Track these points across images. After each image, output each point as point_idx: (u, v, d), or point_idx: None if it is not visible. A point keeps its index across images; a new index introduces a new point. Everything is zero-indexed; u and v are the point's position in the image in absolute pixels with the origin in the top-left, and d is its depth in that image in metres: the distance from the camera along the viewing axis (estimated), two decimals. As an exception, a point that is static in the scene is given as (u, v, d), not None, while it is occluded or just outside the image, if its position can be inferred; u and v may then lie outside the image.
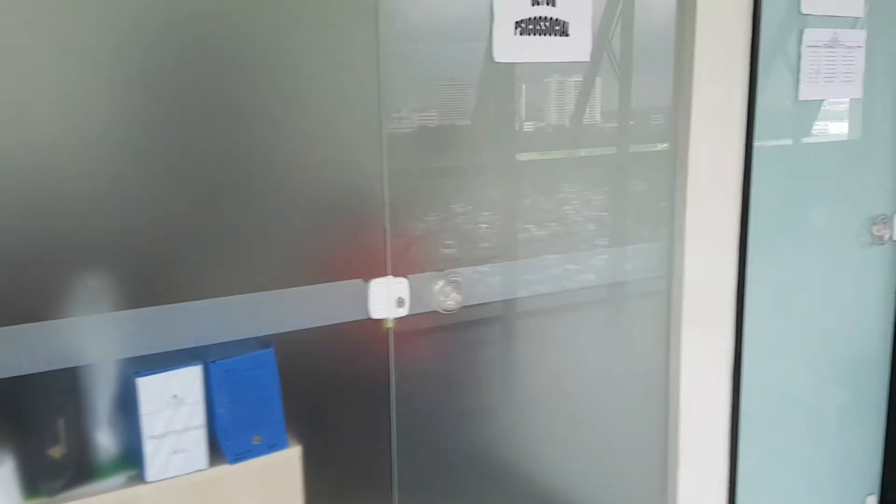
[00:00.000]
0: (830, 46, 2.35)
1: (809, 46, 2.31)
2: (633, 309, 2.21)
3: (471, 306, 1.90)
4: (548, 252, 2.04)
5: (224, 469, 1.65)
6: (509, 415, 2.03)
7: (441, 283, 1.82)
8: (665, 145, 2.13)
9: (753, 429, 2.43)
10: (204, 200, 1.58)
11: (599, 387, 2.19)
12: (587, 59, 1.93)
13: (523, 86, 1.91)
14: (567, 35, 1.89)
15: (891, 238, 2.62)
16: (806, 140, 2.43)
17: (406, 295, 1.79)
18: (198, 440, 1.63)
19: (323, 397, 1.76)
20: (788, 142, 2.38)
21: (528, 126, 1.95)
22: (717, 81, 2.10)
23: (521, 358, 2.05)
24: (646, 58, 2.08)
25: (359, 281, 1.74)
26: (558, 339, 2.11)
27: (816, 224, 2.48)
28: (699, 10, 2.02)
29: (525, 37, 1.83)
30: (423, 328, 1.86)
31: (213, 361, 1.62)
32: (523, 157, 1.98)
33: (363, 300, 1.74)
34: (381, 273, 1.76)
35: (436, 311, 1.83)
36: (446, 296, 1.82)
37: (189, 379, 1.60)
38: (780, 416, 2.53)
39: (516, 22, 1.81)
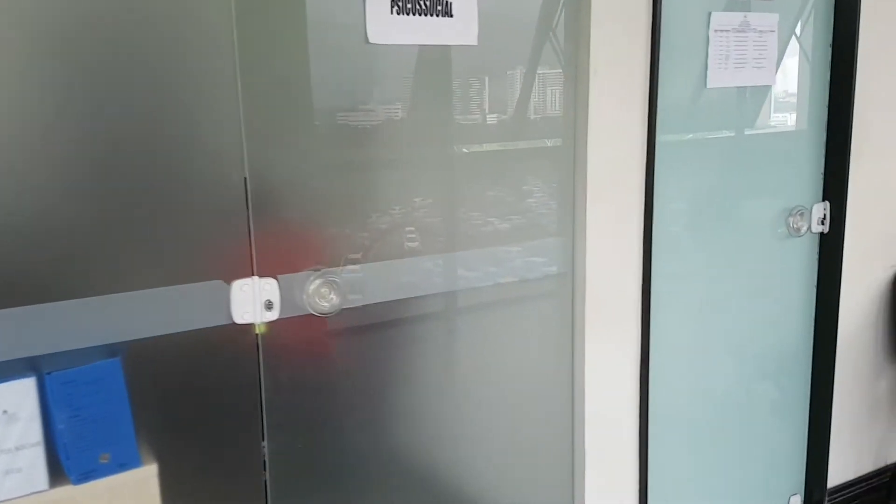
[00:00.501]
0: (741, 31, 2.26)
1: (717, 31, 2.21)
2: (535, 309, 2.10)
3: (355, 308, 1.77)
4: (442, 250, 1.91)
5: (68, 490, 1.50)
6: (400, 422, 1.90)
7: (316, 283, 1.68)
8: (567, 139, 2.02)
9: (665, 430, 2.33)
10: (35, 193, 1.42)
11: (501, 389, 2.07)
12: (474, 42, 1.81)
13: (408, 72, 1.77)
14: (451, 16, 1.76)
15: (809, 230, 2.55)
16: (717, 132, 2.34)
17: (275, 297, 1.64)
18: (35, 459, 1.47)
19: (182, 411, 1.61)
20: (697, 133, 2.29)
21: (417, 117, 1.82)
22: (615, 70, 1.99)
23: (413, 362, 1.92)
24: (540, 45, 1.96)
25: (219, 282, 1.59)
26: (455, 341, 1.98)
27: (729, 217, 2.39)
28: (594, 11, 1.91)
29: (403, 16, 1.70)
30: (299, 333, 1.72)
31: (49, 373, 1.46)
32: (414, 150, 1.85)
33: (225, 303, 1.60)
34: (246, 273, 1.61)
35: (312, 315, 1.69)
36: (322, 297, 1.68)
37: (21, 392, 1.45)
38: (695, 416, 2.44)
39: (393, 0, 1.68)
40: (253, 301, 1.62)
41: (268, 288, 1.63)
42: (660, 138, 2.15)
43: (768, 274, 2.53)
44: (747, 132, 2.41)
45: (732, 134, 2.38)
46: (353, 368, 1.82)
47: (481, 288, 1.99)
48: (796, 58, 2.46)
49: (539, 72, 1.99)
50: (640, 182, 2.10)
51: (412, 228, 1.88)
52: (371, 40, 1.67)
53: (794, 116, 2.51)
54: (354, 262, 1.77)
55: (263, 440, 1.69)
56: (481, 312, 2.02)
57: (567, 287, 2.10)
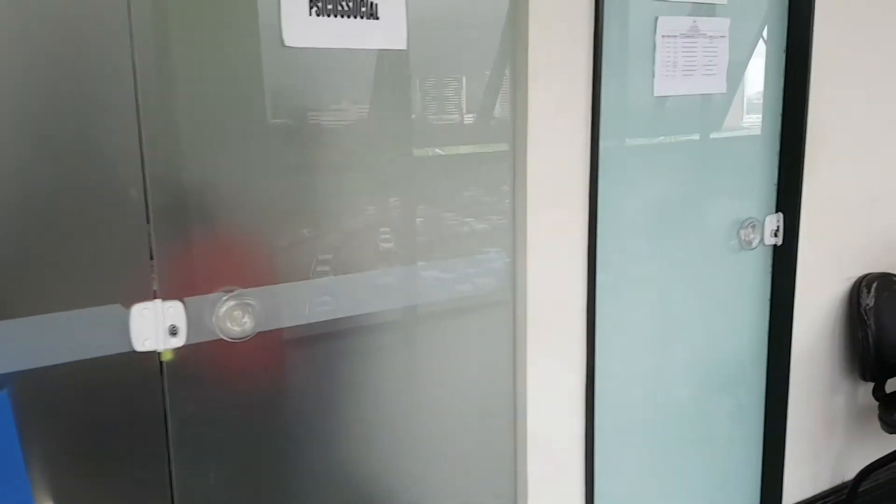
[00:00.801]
0: (689, 36, 2.17)
1: (665, 36, 2.12)
2: (476, 324, 1.98)
3: (272, 331, 1.64)
4: (374, 266, 1.80)
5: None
6: (324, 452, 1.78)
7: (228, 306, 1.55)
8: (504, 146, 1.91)
9: (613, 448, 2.24)
10: None
11: (439, 411, 1.95)
12: (403, 46, 1.69)
13: (325, 76, 1.65)
14: (377, 18, 1.64)
15: (761, 242, 2.47)
16: (666, 139, 2.25)
17: (181, 321, 1.51)
18: None
19: (80, 446, 1.48)
20: (644, 141, 2.19)
21: (339, 122, 1.70)
22: (556, 75, 1.89)
23: (341, 386, 1.80)
24: (480, 46, 1.85)
25: (117, 306, 1.46)
26: (388, 363, 1.86)
27: (680, 228, 2.30)
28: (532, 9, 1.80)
29: (323, 18, 1.58)
30: (210, 359, 1.59)
31: (-80, 410, 1.32)
32: (342, 158, 1.72)
33: (124, 329, 1.47)
34: (147, 296, 1.48)
35: (223, 340, 1.56)
36: (234, 321, 1.56)
37: None
38: (645, 434, 2.34)
39: (311, 0, 1.56)
40: (155, 326, 1.49)
41: (172, 312, 1.50)
42: (605, 144, 2.05)
43: (720, 287, 2.44)
44: (699, 139, 2.32)
45: (683, 141, 2.29)
46: (270, 395, 1.69)
47: (417, 305, 1.88)
48: (750, 64, 2.38)
49: (483, 74, 1.88)
50: (584, 191, 2.00)
51: (341, 244, 1.76)
52: (287, 43, 1.55)
53: (747, 123, 2.42)
54: (279, 280, 1.64)
55: (171, 475, 1.56)
56: (417, 330, 1.90)
57: (508, 301, 1.99)
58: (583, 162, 1.99)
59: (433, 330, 1.92)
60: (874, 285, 2.61)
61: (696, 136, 2.32)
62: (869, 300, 2.58)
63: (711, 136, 2.37)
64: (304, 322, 1.71)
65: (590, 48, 1.93)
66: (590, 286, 2.06)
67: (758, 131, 2.43)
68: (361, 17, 1.63)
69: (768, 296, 2.55)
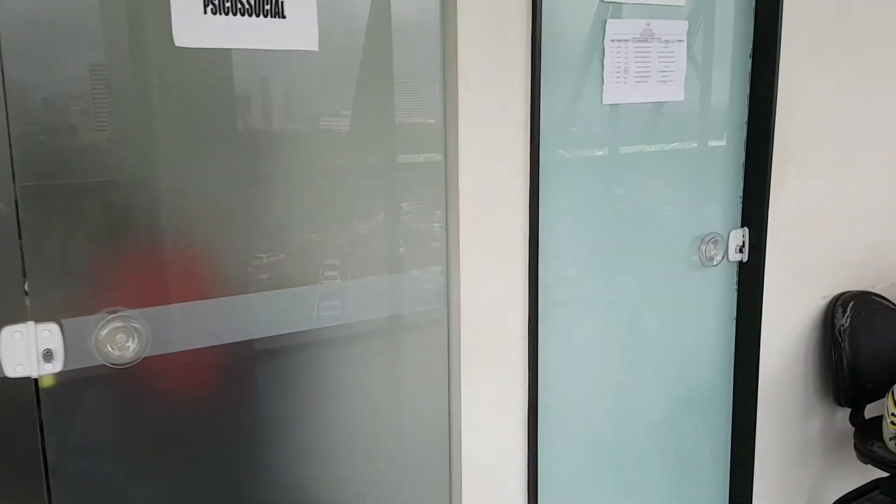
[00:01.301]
0: (642, 40, 2.04)
1: (614, 41, 1.99)
2: (406, 347, 1.85)
3: (166, 355, 1.52)
4: (291, 284, 1.67)
5: None
6: (227, 485, 1.65)
7: (110, 328, 1.43)
8: (438, 156, 1.79)
9: (559, 482, 2.09)
10: None
11: (365, 444, 1.82)
12: (314, 47, 1.57)
13: (243, 78, 1.53)
14: (283, 17, 1.52)
15: (725, 258, 2.32)
16: (620, 150, 2.12)
17: (57, 345, 1.39)
18: None
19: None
20: (596, 152, 2.06)
21: (253, 128, 1.58)
22: (491, 82, 1.76)
23: (254, 417, 1.68)
24: (410, 49, 1.73)
25: (-16, 329, 1.34)
26: (306, 391, 1.74)
27: (634, 245, 2.16)
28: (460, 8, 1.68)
29: (220, 16, 1.46)
30: (96, 386, 1.47)
31: None
32: (252, 165, 1.60)
33: (-9, 354, 1.35)
34: (18, 318, 1.36)
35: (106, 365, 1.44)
36: (116, 345, 1.43)
37: None
38: (597, 466, 2.20)
39: (206, -2, 1.44)
40: (27, 351, 1.37)
41: (47, 335, 1.38)
42: (551, 155, 1.93)
43: (681, 306, 2.30)
44: (656, 150, 2.19)
45: (639, 152, 2.16)
46: (165, 423, 1.57)
47: (340, 326, 1.75)
48: (713, 70, 2.24)
49: (414, 78, 1.75)
50: (524, 204, 1.87)
51: (261, 256, 1.64)
52: (178, 43, 1.43)
53: (710, 133, 2.28)
54: (174, 299, 1.52)
55: (50, 512, 1.44)
56: (342, 354, 1.77)
57: (442, 321, 1.86)
58: (522, 174, 1.86)
59: (359, 353, 1.79)
60: (850, 304, 2.45)
61: (654, 147, 2.18)
62: (844, 320, 2.43)
63: (671, 146, 2.23)
64: (203, 345, 1.58)
65: (527, 53, 1.80)
66: (531, 306, 1.92)
67: (722, 141, 2.30)
68: (265, 16, 1.51)
69: (734, 315, 2.40)
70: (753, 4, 2.24)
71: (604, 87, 2.00)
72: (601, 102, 2.01)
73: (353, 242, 1.75)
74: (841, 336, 2.41)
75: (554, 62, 1.90)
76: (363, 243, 1.76)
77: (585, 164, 2.05)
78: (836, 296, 2.50)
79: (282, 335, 1.69)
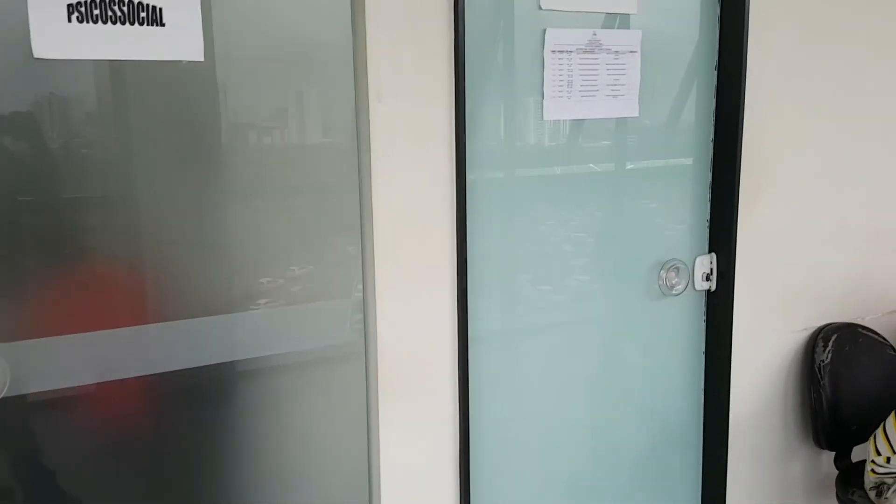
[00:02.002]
0: (588, 51, 1.88)
1: (555, 52, 1.84)
2: (321, 385, 1.70)
3: (40, 392, 1.39)
4: (193, 314, 1.54)
5: None
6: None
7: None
8: (353, 176, 1.65)
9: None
10: None
11: (277, 489, 1.67)
12: (199, 57, 1.45)
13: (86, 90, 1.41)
14: (161, 25, 1.40)
15: (691, 287, 2.14)
16: (568, 169, 1.96)
17: None
18: None
19: None
20: (535, 171, 1.91)
21: (109, 150, 1.46)
22: (406, 95, 1.62)
23: (159, 456, 1.54)
24: (319, 62, 1.60)
25: None
26: (203, 434, 1.59)
27: (584, 273, 2.00)
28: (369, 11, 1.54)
29: (87, 24, 1.34)
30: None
31: None
32: (116, 192, 1.47)
33: None
34: None
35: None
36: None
37: None
38: (543, 514, 2.02)
39: (69, 5, 1.32)
40: None
41: None
42: (483, 176, 1.78)
43: (641, 338, 2.12)
44: (607, 169, 2.02)
45: (590, 171, 2.00)
46: (42, 467, 1.44)
47: (244, 360, 1.61)
48: (675, 83, 2.07)
49: (322, 92, 1.62)
50: (450, 228, 1.71)
51: (155, 283, 1.51)
52: (37, 55, 1.31)
53: (671, 151, 2.12)
54: (47, 332, 1.40)
55: None
56: (254, 389, 1.63)
57: (360, 356, 1.71)
58: (448, 195, 1.71)
59: (271, 388, 1.65)
60: (833, 338, 2.25)
61: (605, 167, 2.02)
62: (824, 356, 2.22)
63: (628, 166, 2.07)
64: (87, 382, 1.45)
65: (449, 64, 1.65)
66: (460, 339, 1.76)
67: (685, 160, 2.12)
68: (141, 24, 1.38)
69: (702, 349, 2.21)
70: (718, 13, 2.07)
71: (544, 102, 1.84)
72: (542, 119, 1.86)
73: (263, 271, 1.61)
74: (821, 373, 2.21)
75: (485, 75, 1.75)
76: (274, 272, 1.62)
77: (526, 185, 1.89)
78: (817, 328, 2.30)
79: (182, 370, 1.55)
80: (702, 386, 2.22)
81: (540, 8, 1.80)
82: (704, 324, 2.20)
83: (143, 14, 1.38)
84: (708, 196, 2.14)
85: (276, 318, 1.62)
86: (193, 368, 1.57)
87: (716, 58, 2.09)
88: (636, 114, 1.98)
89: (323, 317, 1.67)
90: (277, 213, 1.61)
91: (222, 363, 1.60)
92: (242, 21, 1.51)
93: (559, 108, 1.87)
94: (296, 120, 1.60)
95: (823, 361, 2.21)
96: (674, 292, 2.09)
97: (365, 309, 1.68)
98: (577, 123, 1.93)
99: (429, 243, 1.70)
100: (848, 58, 2.19)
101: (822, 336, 2.26)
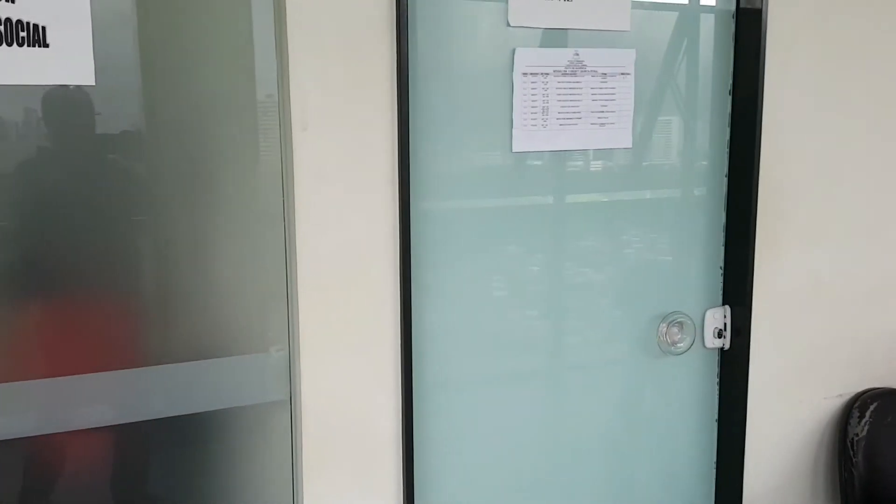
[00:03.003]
0: (569, 74, 1.65)
1: (527, 74, 1.61)
2: (243, 449, 1.51)
3: None
4: (83, 370, 1.38)
5: None
6: None
7: None
8: (278, 209, 1.46)
9: None
10: None
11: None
12: (89, 81, 1.29)
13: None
14: (45, 45, 1.25)
15: (699, 345, 1.85)
16: (542, 200, 1.72)
17: None
18: None
19: None
20: (500, 204, 1.68)
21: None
22: (339, 123, 1.42)
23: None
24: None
25: None
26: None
27: (565, 325, 1.75)
28: (290, 17, 1.36)
29: (-46, 45, 1.20)
30: None
31: None
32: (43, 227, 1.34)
33: None
34: None
35: None
36: None
37: None
38: None
39: (-67, 23, 1.19)
40: None
41: None
42: (436, 213, 1.57)
43: (639, 405, 1.85)
44: (591, 206, 1.77)
45: (566, 208, 1.75)
46: None
47: (149, 422, 1.44)
48: (680, 109, 1.82)
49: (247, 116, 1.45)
50: (393, 272, 1.50)
51: (68, 333, 1.36)
52: None
53: (675, 188, 1.85)
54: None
55: None
56: (163, 454, 1.46)
57: (284, 419, 1.51)
58: (389, 235, 1.50)
59: (176, 460, 1.47)
60: (872, 407, 1.92)
61: (599, 197, 1.77)
62: (859, 428, 1.89)
63: (622, 199, 1.81)
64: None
65: (392, 88, 1.45)
66: (405, 401, 1.54)
67: (695, 197, 1.85)
68: (20, 45, 1.24)
69: (715, 416, 1.92)
70: (733, 30, 1.80)
71: (513, 131, 1.62)
72: (510, 150, 1.63)
73: (172, 318, 1.44)
74: (854, 448, 1.88)
75: (439, 101, 1.54)
76: (184, 319, 1.45)
77: (490, 222, 1.66)
78: (854, 395, 1.97)
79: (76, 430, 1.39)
80: (714, 459, 1.93)
81: (508, 25, 1.58)
82: (717, 387, 1.91)
83: (22, 33, 1.24)
84: (722, 239, 1.86)
85: (189, 373, 1.44)
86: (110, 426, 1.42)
87: (730, 81, 1.82)
88: (629, 144, 1.73)
89: (242, 372, 1.47)
90: (196, 263, 1.44)
91: (134, 422, 1.44)
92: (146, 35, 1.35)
93: (531, 137, 1.64)
94: (217, 153, 1.43)
95: (857, 435, 1.88)
96: (676, 350, 1.81)
97: (290, 364, 1.48)
98: (554, 154, 1.69)
99: (366, 289, 1.49)
100: (886, 81, 1.88)
101: (858, 405, 1.93)
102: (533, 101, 1.62)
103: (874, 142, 1.90)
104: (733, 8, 1.80)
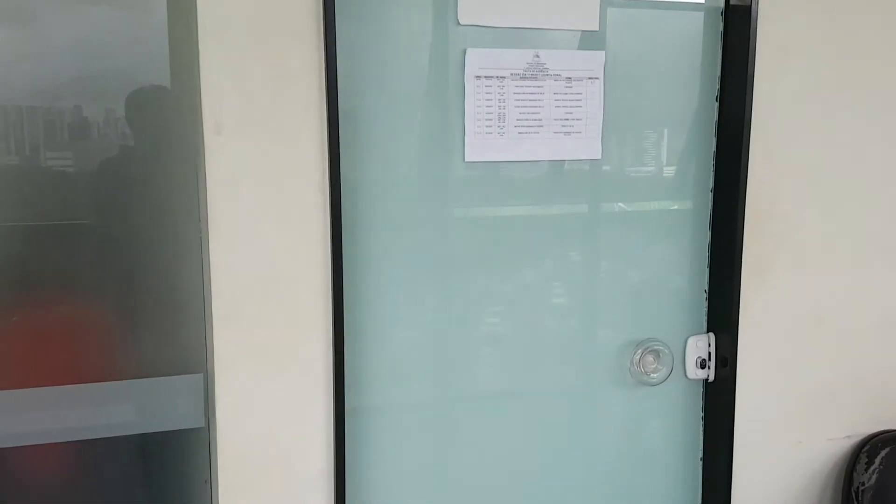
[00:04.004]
0: (529, 77, 1.51)
1: (480, 77, 1.48)
2: (153, 481, 1.40)
3: None
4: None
5: None
6: None
7: None
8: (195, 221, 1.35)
9: None
10: None
11: None
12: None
13: None
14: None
15: (682, 374, 1.68)
16: (495, 212, 1.58)
17: None
18: None
19: None
20: (451, 216, 1.54)
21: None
22: (255, 128, 1.31)
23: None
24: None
25: None
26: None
27: (525, 351, 1.59)
28: (200, 6, 1.25)
29: None
30: None
31: None
32: None
33: None
34: None
35: None
36: None
37: None
38: None
39: None
40: None
41: None
42: (377, 225, 1.44)
43: (607, 441, 1.68)
44: (549, 222, 1.62)
45: (526, 215, 1.61)
46: None
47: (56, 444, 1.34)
48: (661, 118, 1.66)
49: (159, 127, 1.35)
50: (323, 289, 1.38)
51: None
52: None
53: (657, 199, 1.69)
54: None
55: None
56: (55, 480, 1.35)
57: (202, 453, 1.39)
58: (318, 248, 1.37)
59: (84, 484, 1.36)
60: (884, 453, 1.71)
61: (571, 210, 1.62)
62: (867, 476, 1.68)
63: (594, 212, 1.66)
64: None
65: (320, 87, 1.33)
66: (337, 431, 1.41)
67: (677, 213, 1.69)
68: None
69: (699, 455, 1.73)
70: (721, 28, 1.64)
71: (466, 139, 1.48)
72: (463, 160, 1.49)
73: (80, 336, 1.34)
74: (859, 499, 1.67)
75: (377, 104, 1.42)
76: (93, 336, 1.35)
77: (440, 236, 1.52)
78: (864, 438, 1.76)
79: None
80: (698, 502, 1.74)
81: (458, 23, 1.45)
82: (702, 422, 1.73)
83: None
84: (706, 260, 1.69)
85: (98, 394, 1.34)
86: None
87: (717, 86, 1.65)
88: (598, 155, 1.58)
89: (155, 395, 1.36)
90: (107, 274, 1.34)
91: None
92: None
93: (487, 146, 1.50)
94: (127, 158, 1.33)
95: (864, 483, 1.67)
96: (650, 381, 1.64)
97: (206, 391, 1.37)
98: (513, 166, 1.55)
99: (290, 309, 1.37)
100: (892, 86, 1.68)
101: (867, 449, 1.72)
102: (488, 106, 1.49)
103: (880, 154, 1.70)
104: (722, 5, 1.64)
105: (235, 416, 1.35)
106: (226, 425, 1.34)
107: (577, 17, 1.53)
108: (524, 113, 1.51)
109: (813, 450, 1.75)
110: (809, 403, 1.74)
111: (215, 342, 1.32)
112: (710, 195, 1.67)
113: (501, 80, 1.49)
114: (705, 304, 1.69)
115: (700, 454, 1.73)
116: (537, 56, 1.51)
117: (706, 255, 1.68)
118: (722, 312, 1.67)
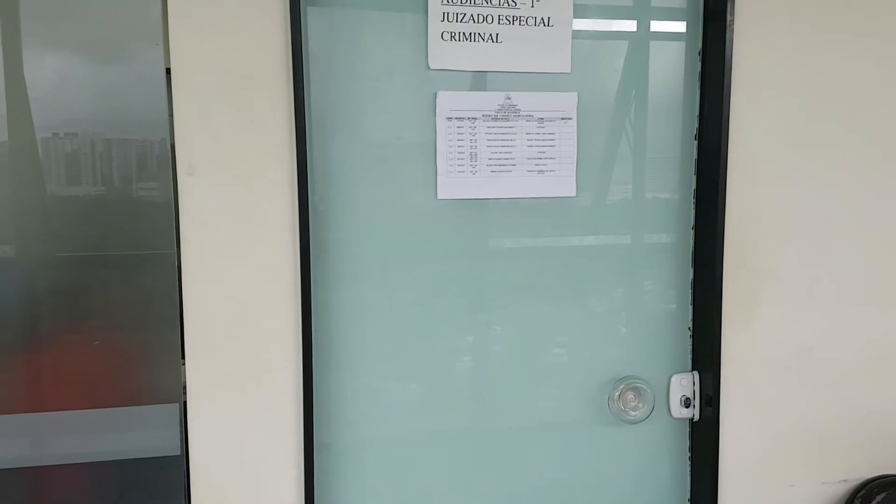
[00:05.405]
0: (500, 118, 1.55)
1: (451, 119, 1.53)
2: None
3: None
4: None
5: None
6: None
7: None
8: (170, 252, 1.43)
9: None
10: None
11: None
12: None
13: None
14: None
15: (663, 412, 1.66)
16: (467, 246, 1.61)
17: None
18: None
19: None
20: (417, 251, 1.57)
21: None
22: (225, 169, 1.38)
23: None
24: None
25: None
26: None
27: (500, 387, 1.60)
28: (173, 52, 1.34)
29: None
30: None
31: None
32: None
33: None
34: None
35: None
36: None
37: None
38: None
39: None
40: None
41: None
42: (347, 259, 1.48)
43: (588, 481, 1.67)
44: (539, 246, 1.64)
45: (496, 252, 1.63)
46: None
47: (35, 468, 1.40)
48: (639, 157, 1.68)
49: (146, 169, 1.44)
50: (293, 328, 1.43)
51: None
52: None
53: (638, 234, 1.70)
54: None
55: None
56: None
57: (177, 482, 1.44)
58: (287, 288, 1.42)
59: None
60: (879, 498, 1.65)
61: (550, 244, 1.64)
62: (862, 522, 1.63)
63: (573, 246, 1.67)
64: None
65: (290, 131, 1.40)
66: (307, 466, 1.44)
67: (659, 247, 1.69)
68: None
69: (688, 497, 1.70)
70: (699, 69, 1.66)
71: (438, 178, 1.53)
72: (436, 198, 1.54)
73: (60, 364, 1.42)
74: (852, 546, 1.61)
75: (348, 146, 1.48)
76: (73, 365, 1.42)
77: (415, 273, 1.56)
78: (861, 482, 1.70)
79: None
80: (687, 549, 1.70)
81: (428, 67, 1.51)
82: (689, 462, 1.70)
83: None
84: (689, 297, 1.68)
85: (77, 421, 1.40)
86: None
87: (696, 125, 1.67)
88: (572, 193, 1.60)
89: (132, 424, 1.42)
90: (88, 305, 1.42)
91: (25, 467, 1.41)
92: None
93: (459, 185, 1.54)
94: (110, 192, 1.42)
95: (858, 530, 1.62)
96: (630, 418, 1.63)
97: (181, 421, 1.42)
98: (497, 202, 1.58)
99: (260, 344, 1.42)
100: (875, 123, 1.67)
101: (863, 494, 1.66)
102: (459, 146, 1.53)
103: (863, 189, 1.68)
104: (699, 46, 1.66)
105: (208, 446, 1.40)
106: (198, 455, 1.39)
107: (549, 61, 1.57)
108: (496, 152, 1.55)
109: (807, 494, 1.70)
110: (802, 445, 1.70)
111: (189, 373, 1.38)
112: (692, 232, 1.67)
113: (473, 120, 1.54)
114: (690, 340, 1.68)
115: (688, 495, 1.70)
116: (508, 98, 1.56)
117: (689, 292, 1.68)
118: (705, 350, 1.65)
